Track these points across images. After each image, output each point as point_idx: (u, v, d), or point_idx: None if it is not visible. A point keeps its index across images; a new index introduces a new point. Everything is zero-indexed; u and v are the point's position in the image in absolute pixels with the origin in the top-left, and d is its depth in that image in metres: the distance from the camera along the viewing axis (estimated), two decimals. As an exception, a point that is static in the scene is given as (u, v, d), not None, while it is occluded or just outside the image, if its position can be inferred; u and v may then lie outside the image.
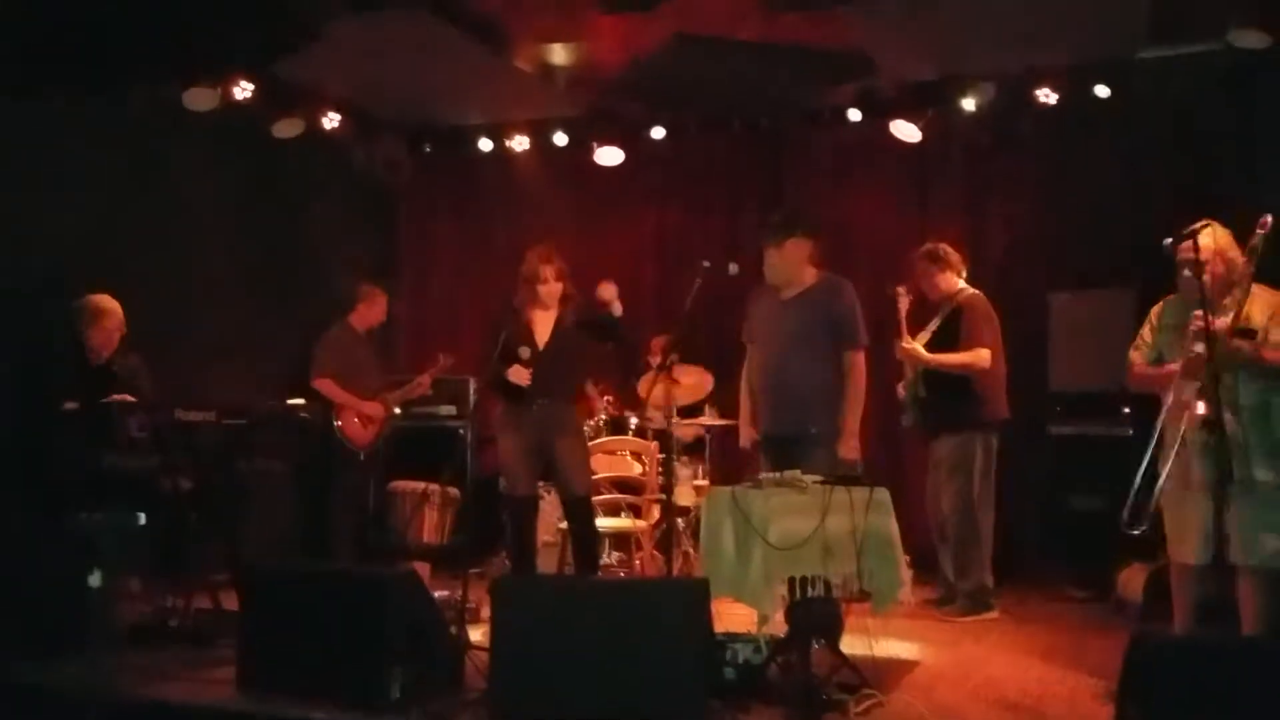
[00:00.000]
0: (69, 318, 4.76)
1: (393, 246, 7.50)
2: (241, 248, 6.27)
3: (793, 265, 4.27)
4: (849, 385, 4.17)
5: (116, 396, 4.48)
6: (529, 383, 4.47)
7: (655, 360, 6.02)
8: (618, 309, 4.55)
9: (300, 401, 5.55)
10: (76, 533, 4.02)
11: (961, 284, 4.85)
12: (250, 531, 5.25)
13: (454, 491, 5.97)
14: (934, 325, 4.78)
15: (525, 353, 4.51)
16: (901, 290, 4.68)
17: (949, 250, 4.86)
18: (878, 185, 6.43)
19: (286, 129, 6.21)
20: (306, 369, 5.62)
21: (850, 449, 4.12)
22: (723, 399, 5.61)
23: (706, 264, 4.04)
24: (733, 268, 4.10)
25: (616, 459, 5.62)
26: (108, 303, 4.76)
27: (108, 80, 5.10)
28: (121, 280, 4.93)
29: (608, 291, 4.54)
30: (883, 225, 6.36)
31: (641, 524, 5.27)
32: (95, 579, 3.85)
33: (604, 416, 5.80)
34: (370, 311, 5.77)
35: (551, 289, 4.55)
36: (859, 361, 4.21)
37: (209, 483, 4.48)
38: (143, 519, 4.19)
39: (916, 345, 4.68)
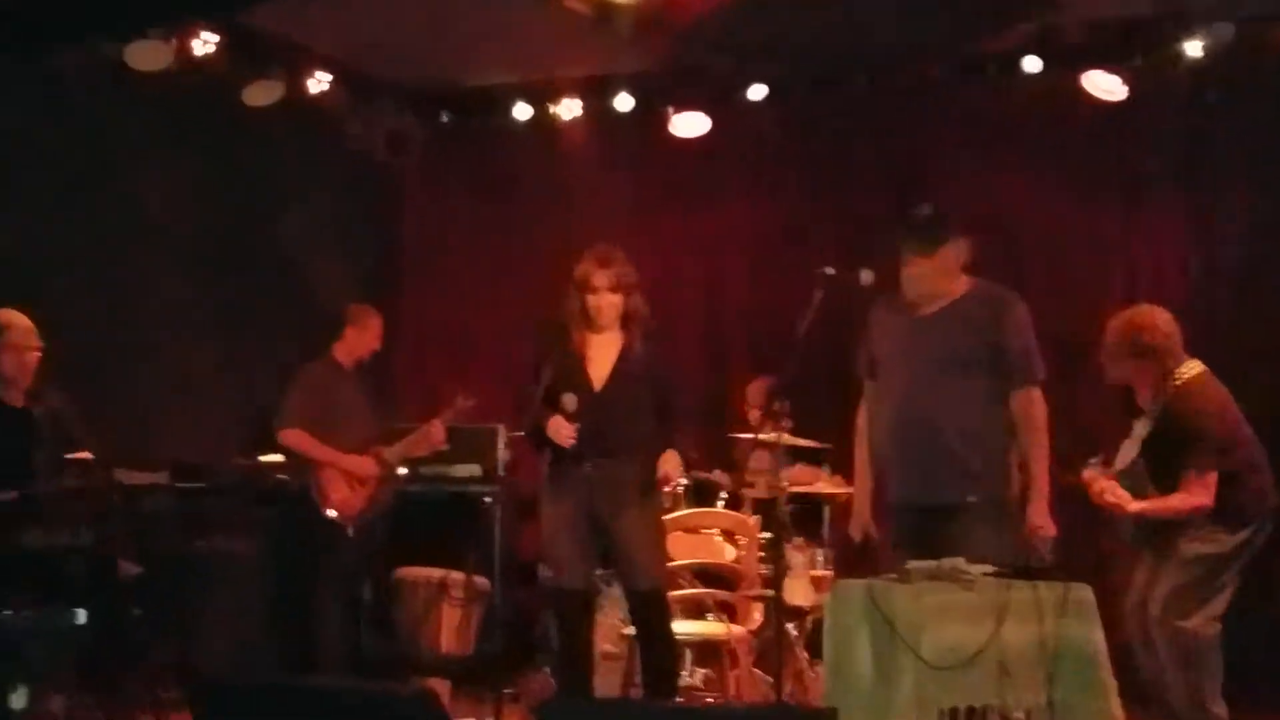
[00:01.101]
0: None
1: (396, 250, 7.59)
2: (200, 253, 6.39)
3: (946, 276, 4.25)
4: (1029, 433, 4.13)
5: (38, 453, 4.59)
6: (572, 443, 4.49)
7: (754, 410, 5.99)
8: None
9: (276, 459, 5.62)
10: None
11: (1178, 367, 4.50)
12: (209, 633, 5.31)
13: (481, 582, 6.00)
14: (1140, 431, 4.51)
15: (570, 402, 4.52)
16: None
17: (1154, 327, 4.47)
18: (1059, 163, 6.33)
19: (260, 95, 6.30)
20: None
21: (1041, 521, 4.03)
22: (849, 458, 5.56)
23: (829, 271, 4.03)
24: (865, 275, 4.09)
25: (701, 540, 5.59)
26: (16, 318, 4.81)
27: (28, 35, 5.21)
28: (41, 296, 5.05)
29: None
30: (1065, 219, 6.29)
31: (737, 629, 5.21)
32: (20, 698, 3.92)
33: (684, 482, 5.74)
34: (360, 339, 5.84)
35: (609, 304, 4.56)
36: (1037, 400, 4.17)
37: (157, 567, 4.61)
38: (81, 617, 4.24)
39: (1114, 488, 4.39)
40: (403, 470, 5.92)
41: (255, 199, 6.63)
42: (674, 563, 5.19)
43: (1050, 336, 4.38)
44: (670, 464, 4.53)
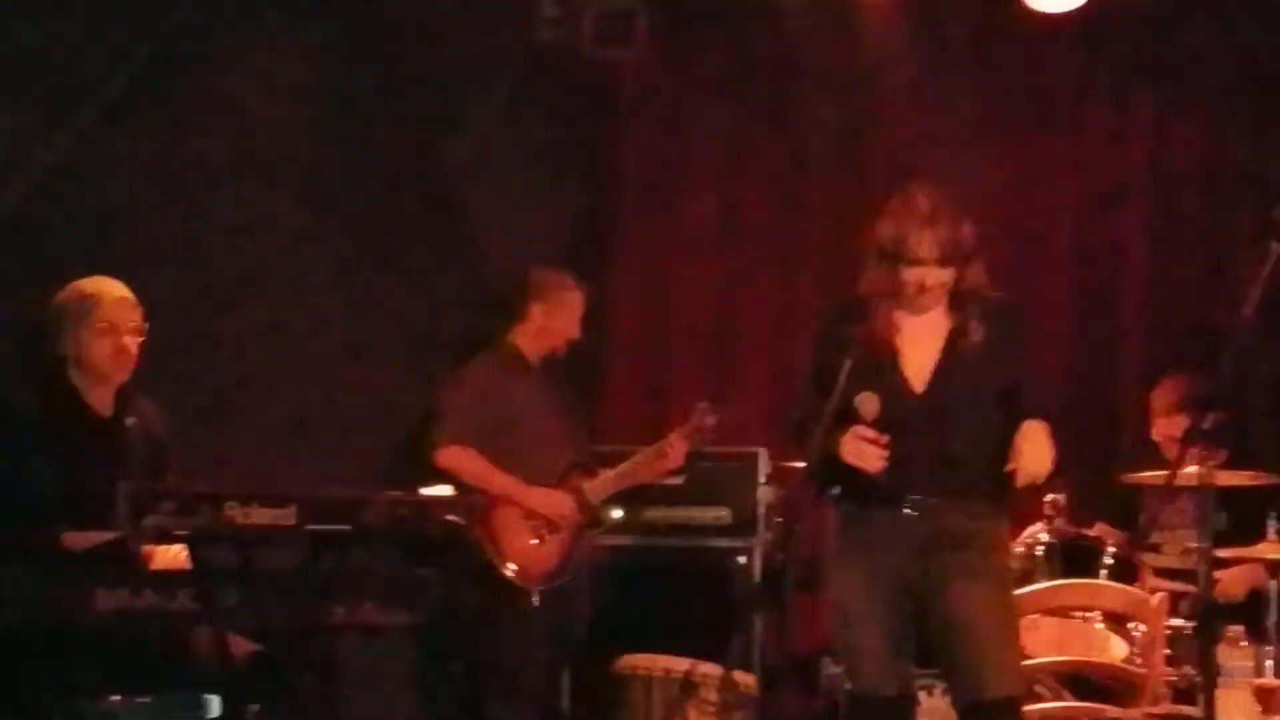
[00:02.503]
0: (32, 334, 4.99)
1: (607, 191, 7.66)
2: (330, 199, 6.51)
3: None
4: None
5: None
6: (882, 465, 4.46)
7: (1162, 427, 5.89)
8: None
9: (442, 491, 5.72)
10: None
11: None
12: None
13: (744, 680, 6.03)
14: None
15: (871, 405, 4.50)
16: None
17: None
18: None
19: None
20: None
21: None
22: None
23: None
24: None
25: (1073, 628, 5.54)
26: (107, 288, 4.91)
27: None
28: (112, 264, 5.11)
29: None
30: None
31: None
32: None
33: (1045, 537, 5.73)
34: (553, 322, 6.03)
35: (935, 281, 4.57)
36: None
37: (280, 644, 4.67)
38: (215, 708, 4.41)
39: None
40: (616, 514, 6.06)
41: (405, 115, 6.73)
42: (1031, 661, 5.15)
43: None
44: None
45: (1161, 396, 6.06)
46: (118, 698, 4.40)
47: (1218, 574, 5.15)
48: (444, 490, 5.72)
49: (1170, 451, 5.82)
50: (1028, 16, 6.58)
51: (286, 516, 4.55)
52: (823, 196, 7.11)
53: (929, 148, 6.53)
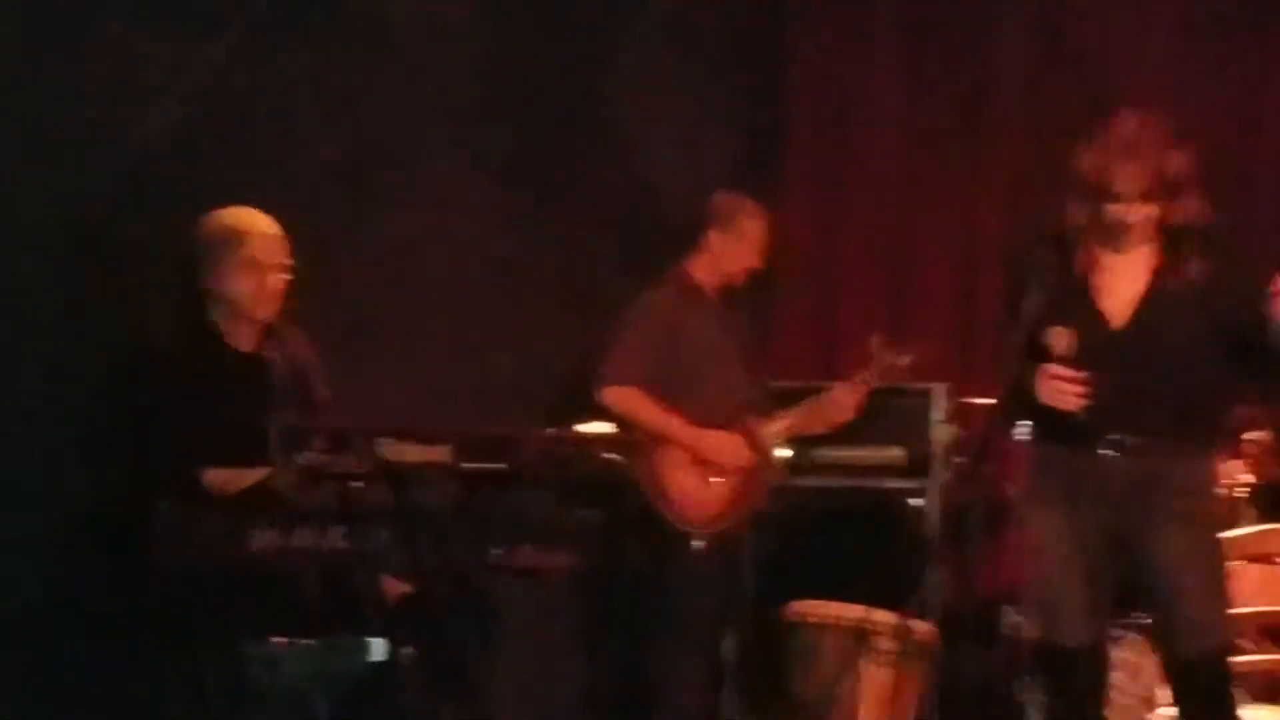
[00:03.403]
0: (179, 265, 4.95)
1: (778, 114, 7.63)
2: (483, 120, 6.46)
3: None
4: None
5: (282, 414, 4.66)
6: (1081, 404, 4.43)
7: None
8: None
9: (604, 428, 5.63)
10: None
11: None
12: (508, 687, 5.48)
13: (925, 630, 6.05)
14: None
15: (1063, 340, 4.47)
16: None
17: None
18: None
19: None
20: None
21: None
22: None
23: None
24: None
25: (1277, 574, 5.55)
26: (257, 221, 4.90)
27: None
28: (257, 193, 5.08)
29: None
30: None
31: None
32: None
33: (1249, 479, 5.74)
34: (733, 249, 5.99)
35: (1141, 218, 4.52)
36: None
37: (437, 587, 4.65)
38: (380, 650, 4.46)
39: None
40: (786, 453, 6.00)
41: (564, 35, 6.68)
42: (1241, 609, 5.09)
43: None
44: None
45: None
46: (281, 640, 4.45)
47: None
48: (604, 428, 5.66)
49: None
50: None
51: (441, 454, 4.58)
52: (1008, 121, 7.05)
53: (1134, 72, 6.50)
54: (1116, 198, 4.48)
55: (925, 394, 6.44)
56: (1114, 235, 4.55)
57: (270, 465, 4.43)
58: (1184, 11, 6.82)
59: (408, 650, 4.55)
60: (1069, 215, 4.59)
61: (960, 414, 6.28)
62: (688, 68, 7.08)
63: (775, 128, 7.57)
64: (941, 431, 6.37)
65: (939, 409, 6.41)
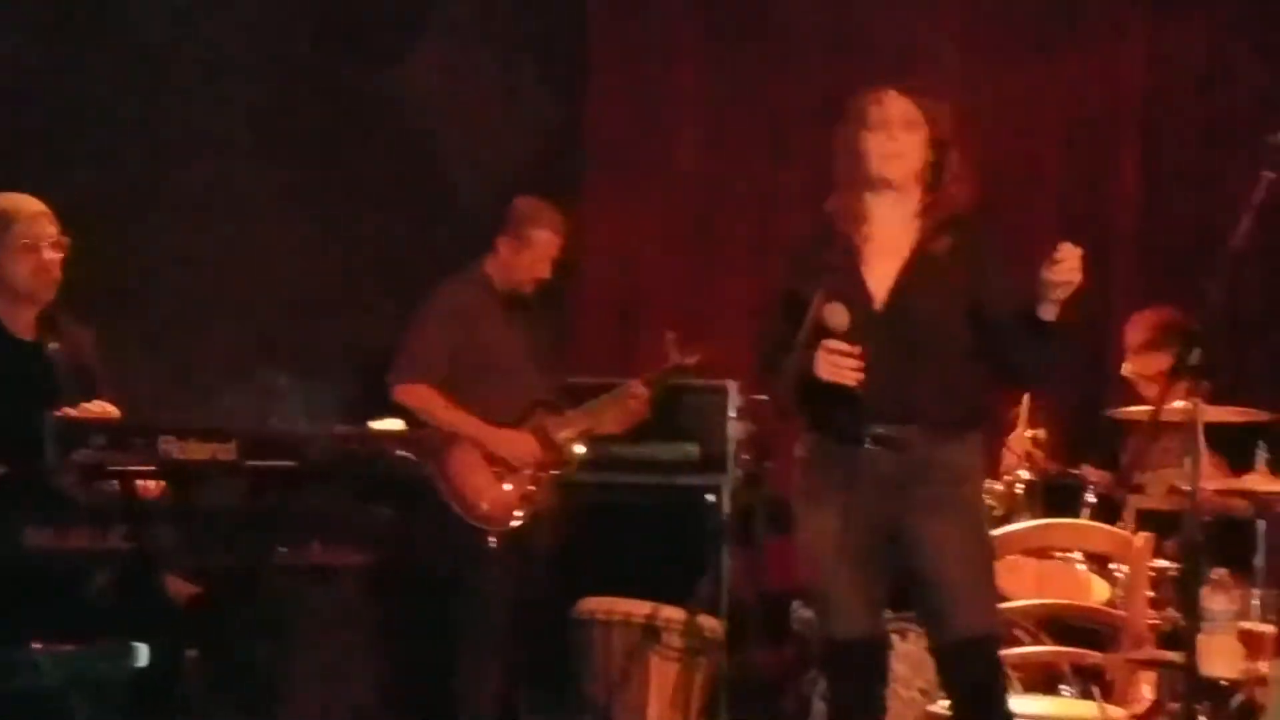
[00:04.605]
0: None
1: (576, 116, 7.65)
2: (277, 112, 6.44)
3: None
4: None
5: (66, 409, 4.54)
6: (860, 378, 4.38)
7: (1136, 362, 5.91)
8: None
9: (396, 426, 5.61)
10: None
11: None
12: (297, 688, 5.43)
13: (710, 624, 6.07)
14: None
15: (839, 315, 4.41)
16: None
17: None
18: None
19: None
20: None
21: None
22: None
23: None
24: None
25: (1054, 569, 5.62)
26: (24, 204, 4.82)
27: None
28: (45, 188, 5.00)
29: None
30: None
31: (1115, 713, 5.09)
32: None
33: (1023, 473, 5.77)
34: (517, 259, 5.97)
35: (902, 147, 4.49)
36: None
37: (222, 587, 4.65)
38: (142, 656, 4.33)
39: None
40: (579, 449, 6.03)
41: (363, 33, 6.69)
42: (1009, 603, 5.15)
43: None
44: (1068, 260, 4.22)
45: (1133, 333, 6.04)
46: (39, 645, 4.30)
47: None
48: (396, 425, 5.62)
49: (1144, 389, 5.85)
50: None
51: (227, 451, 4.52)
52: (804, 123, 7.05)
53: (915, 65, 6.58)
54: (876, 126, 4.47)
55: (721, 391, 6.46)
56: (872, 177, 4.51)
57: (45, 460, 4.31)
58: (971, 28, 6.94)
59: (192, 652, 4.52)
60: (833, 197, 4.58)
61: (751, 410, 6.29)
62: (489, 62, 7.10)
63: (576, 124, 7.58)
64: (734, 428, 6.41)
65: (733, 406, 6.43)
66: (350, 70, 6.60)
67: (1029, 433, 5.96)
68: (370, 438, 5.59)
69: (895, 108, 4.48)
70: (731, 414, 6.44)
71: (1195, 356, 4.48)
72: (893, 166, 4.48)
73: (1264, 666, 4.74)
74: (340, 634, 5.84)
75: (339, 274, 6.52)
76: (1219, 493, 5.40)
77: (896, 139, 4.47)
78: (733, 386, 6.42)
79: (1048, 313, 4.26)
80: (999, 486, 5.73)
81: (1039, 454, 5.91)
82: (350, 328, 6.45)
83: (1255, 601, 5.38)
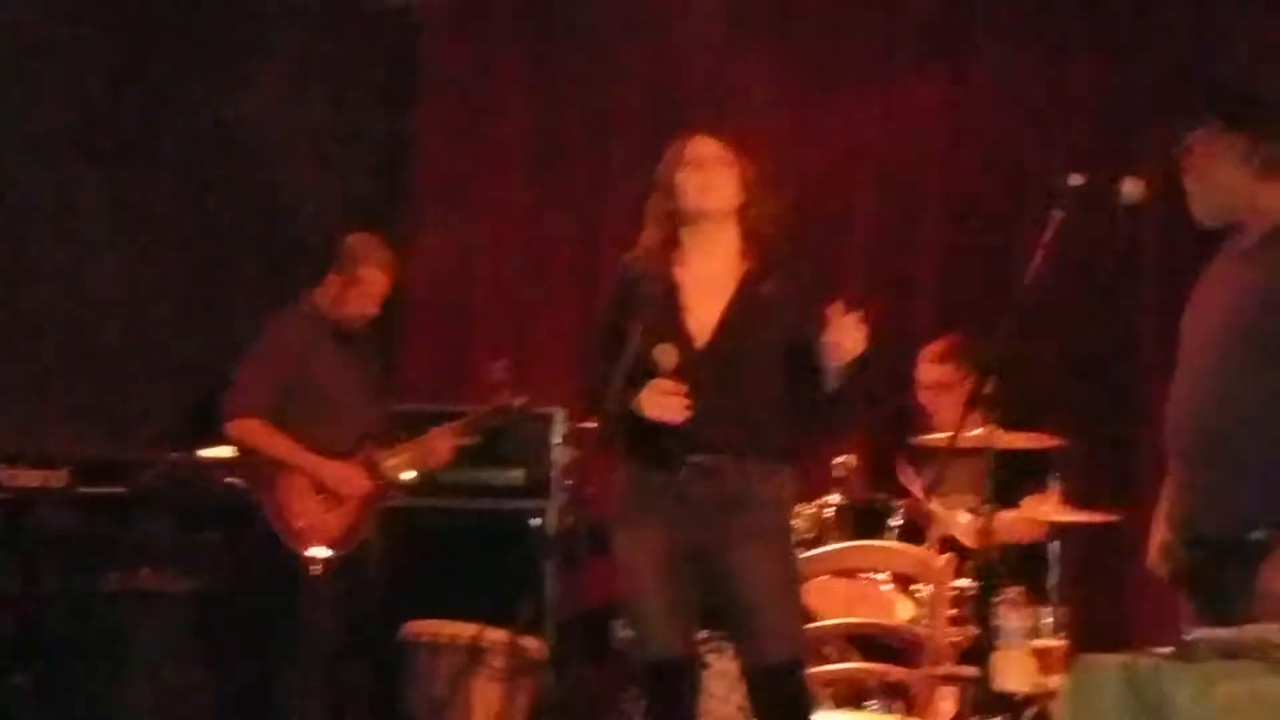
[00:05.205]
0: None
1: (405, 148, 7.64)
2: (110, 148, 6.45)
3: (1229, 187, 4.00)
4: None
5: None
6: (685, 416, 4.48)
7: (928, 388, 5.99)
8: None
9: (225, 454, 5.68)
10: None
11: None
12: (133, 714, 5.42)
13: (533, 645, 6.08)
14: None
15: (670, 357, 4.51)
16: None
17: None
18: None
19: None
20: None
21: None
22: (1096, 474, 5.64)
23: (1075, 180, 4.08)
24: (1130, 187, 4.09)
25: (861, 589, 5.64)
26: None
27: None
28: None
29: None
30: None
31: None
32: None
33: (836, 499, 5.81)
34: (346, 295, 5.92)
35: (719, 182, 4.58)
36: None
37: (50, 614, 4.77)
38: None
39: None
40: (407, 475, 6.02)
41: (192, 67, 6.67)
42: (817, 623, 5.21)
43: None
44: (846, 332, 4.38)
45: (929, 360, 6.06)
46: None
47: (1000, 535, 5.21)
48: (225, 452, 5.67)
49: (933, 407, 5.96)
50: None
51: (57, 478, 4.53)
52: (627, 156, 7.01)
53: (737, 109, 6.60)
54: (690, 165, 4.55)
55: (547, 418, 6.44)
56: (689, 214, 4.57)
57: None
58: (787, 62, 6.94)
59: (17, 679, 4.60)
60: (654, 223, 4.64)
61: (576, 436, 6.27)
62: (320, 90, 7.07)
63: (407, 151, 7.54)
64: (559, 453, 6.42)
65: (558, 432, 6.44)
66: (180, 93, 6.58)
67: (839, 459, 5.95)
68: (200, 465, 5.64)
69: (709, 148, 4.57)
70: (556, 440, 6.45)
71: (989, 386, 4.66)
72: (709, 198, 4.56)
73: (1055, 681, 4.79)
74: (170, 660, 5.76)
75: (168, 300, 6.48)
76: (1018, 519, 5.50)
77: (711, 173, 4.54)
78: (559, 413, 6.42)
79: (832, 381, 4.43)
80: (810, 510, 5.73)
81: (850, 479, 5.90)
82: (179, 351, 6.42)
83: (1048, 619, 5.42)
